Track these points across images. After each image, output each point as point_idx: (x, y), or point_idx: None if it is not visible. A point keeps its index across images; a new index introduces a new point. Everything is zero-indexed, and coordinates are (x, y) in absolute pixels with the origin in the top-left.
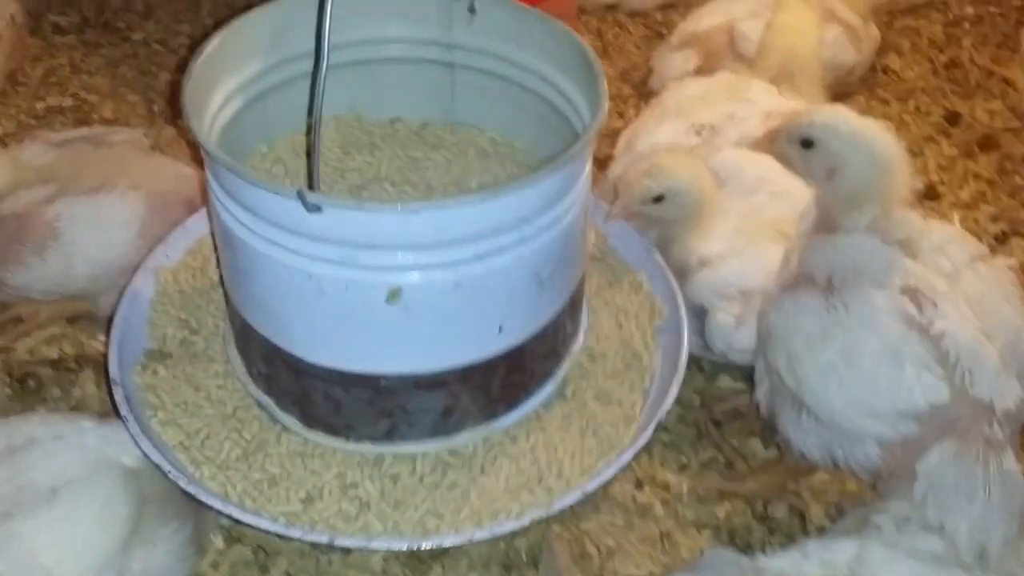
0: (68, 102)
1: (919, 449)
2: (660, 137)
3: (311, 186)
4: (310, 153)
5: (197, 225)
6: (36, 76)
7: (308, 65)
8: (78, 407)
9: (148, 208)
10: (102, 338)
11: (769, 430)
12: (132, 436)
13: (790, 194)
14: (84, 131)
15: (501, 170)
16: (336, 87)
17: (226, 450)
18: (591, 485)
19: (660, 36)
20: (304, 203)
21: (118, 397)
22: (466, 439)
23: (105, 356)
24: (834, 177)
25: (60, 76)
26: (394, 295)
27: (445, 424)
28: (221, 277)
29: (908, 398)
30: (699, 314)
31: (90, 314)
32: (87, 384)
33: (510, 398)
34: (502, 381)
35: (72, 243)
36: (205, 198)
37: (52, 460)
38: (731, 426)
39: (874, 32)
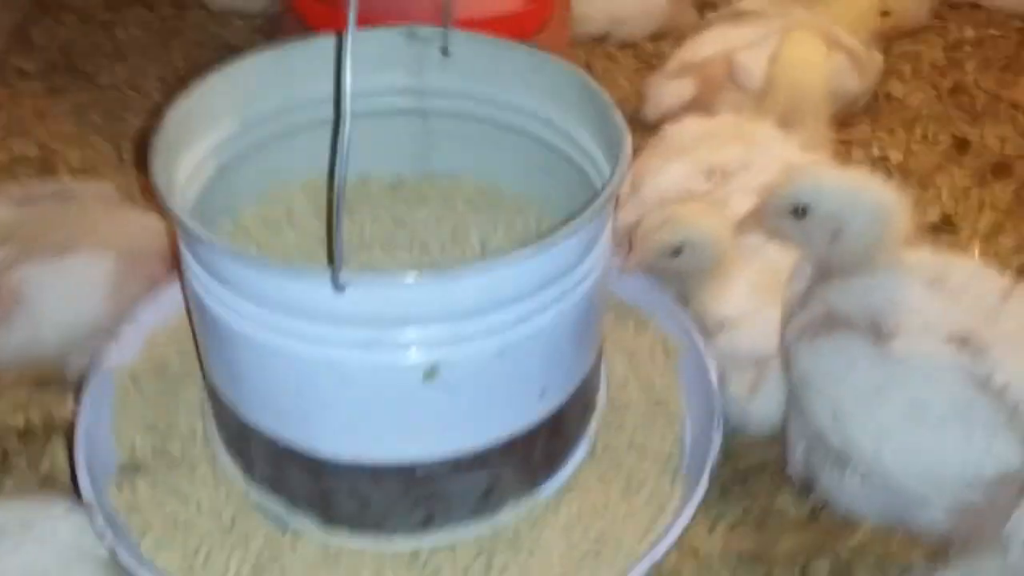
0: (33, 150)
1: (994, 511)
2: (667, 179)
3: (331, 262)
4: (329, 226)
5: (147, 314)
6: None
7: (271, 128)
8: (47, 481)
9: (119, 267)
10: (72, 404)
11: (799, 484)
12: (127, 569)
13: None
14: (50, 186)
15: (497, 220)
16: (297, 150)
17: (234, 568)
18: (657, 552)
19: (651, 67)
20: (334, 283)
21: (98, 526)
22: (507, 517)
23: (73, 477)
24: (838, 239)
25: (25, 123)
26: (431, 373)
27: (485, 504)
28: (203, 371)
29: (977, 466)
30: None
31: (59, 378)
32: (57, 455)
33: (549, 465)
34: (543, 448)
35: (39, 309)
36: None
37: (21, 553)
38: (758, 481)
39: (877, 58)
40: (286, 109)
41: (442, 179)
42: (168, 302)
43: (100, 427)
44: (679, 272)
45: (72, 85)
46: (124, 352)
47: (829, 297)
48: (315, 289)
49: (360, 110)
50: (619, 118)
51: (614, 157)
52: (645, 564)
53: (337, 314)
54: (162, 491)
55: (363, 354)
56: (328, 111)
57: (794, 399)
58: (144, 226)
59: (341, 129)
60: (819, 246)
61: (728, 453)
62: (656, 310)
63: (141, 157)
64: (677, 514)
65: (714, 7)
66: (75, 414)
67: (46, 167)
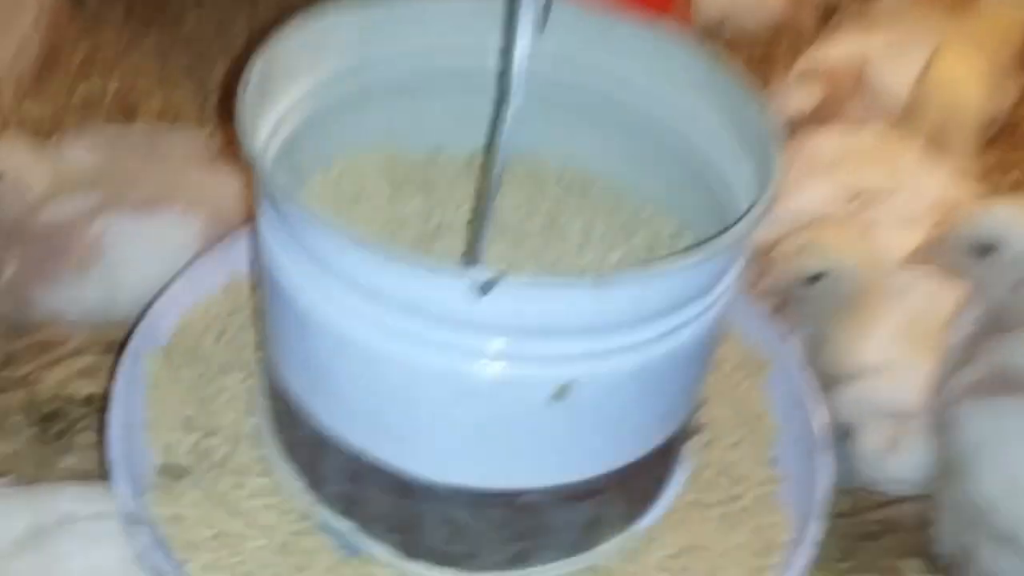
0: (112, 88)
1: None
2: (806, 198)
3: (473, 259)
4: (474, 217)
5: (185, 290)
6: (76, 58)
7: (344, 89)
8: None
9: (208, 230)
10: None
11: (946, 561)
12: None
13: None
14: (135, 132)
15: (594, 209)
16: (368, 114)
17: None
18: None
19: (766, 63)
20: (476, 286)
21: (143, 541)
22: (605, 551)
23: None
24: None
25: (103, 60)
26: (561, 392)
27: (585, 538)
28: (268, 368)
29: None
30: (842, 435)
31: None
32: None
33: (651, 494)
34: (651, 477)
35: (118, 265)
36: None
37: (94, 548)
38: (885, 541)
39: (1017, 81)
40: (362, 69)
41: (526, 159)
42: (203, 275)
43: (133, 423)
44: (814, 304)
45: (155, 25)
46: (157, 333)
47: (1006, 352)
48: (448, 290)
49: (438, 78)
50: (766, 115)
51: (762, 161)
52: None
53: (469, 320)
54: (208, 500)
55: (490, 366)
56: (396, 71)
57: (951, 466)
58: (235, 188)
59: (504, 107)
60: (999, 292)
61: (855, 508)
62: (741, 319)
63: (224, 108)
64: (787, 558)
65: (837, 9)
66: (106, 403)
67: (126, 109)
